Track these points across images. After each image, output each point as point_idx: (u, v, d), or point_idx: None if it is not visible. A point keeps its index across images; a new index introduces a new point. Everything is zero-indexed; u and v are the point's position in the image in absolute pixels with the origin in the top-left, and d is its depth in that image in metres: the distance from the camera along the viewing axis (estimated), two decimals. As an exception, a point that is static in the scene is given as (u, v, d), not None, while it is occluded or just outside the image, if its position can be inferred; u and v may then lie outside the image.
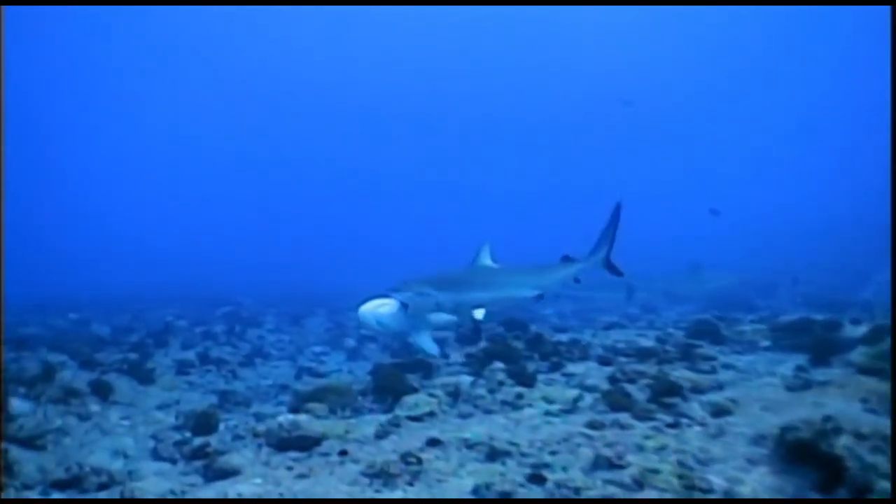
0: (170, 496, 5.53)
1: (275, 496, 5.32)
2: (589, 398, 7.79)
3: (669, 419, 6.73)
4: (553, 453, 6.00)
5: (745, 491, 4.91)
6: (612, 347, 10.78)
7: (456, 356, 11.01)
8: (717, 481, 5.07)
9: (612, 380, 8.33)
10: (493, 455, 6.05)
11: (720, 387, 7.80)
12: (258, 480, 5.76)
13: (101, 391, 9.44)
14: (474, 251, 11.32)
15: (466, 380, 8.78)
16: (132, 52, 77.54)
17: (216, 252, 62.01)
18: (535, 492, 5.14)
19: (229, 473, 6.06)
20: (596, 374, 8.78)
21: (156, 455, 7.24)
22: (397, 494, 5.28)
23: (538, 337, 10.75)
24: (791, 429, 5.20)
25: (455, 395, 8.37)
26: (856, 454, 4.67)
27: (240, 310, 23.90)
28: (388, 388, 8.77)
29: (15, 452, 6.73)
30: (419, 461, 5.85)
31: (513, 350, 9.81)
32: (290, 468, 6.11)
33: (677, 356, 9.37)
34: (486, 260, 11.08)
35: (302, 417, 6.95)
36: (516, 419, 7.30)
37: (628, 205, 12.47)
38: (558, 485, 5.17)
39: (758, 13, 73.07)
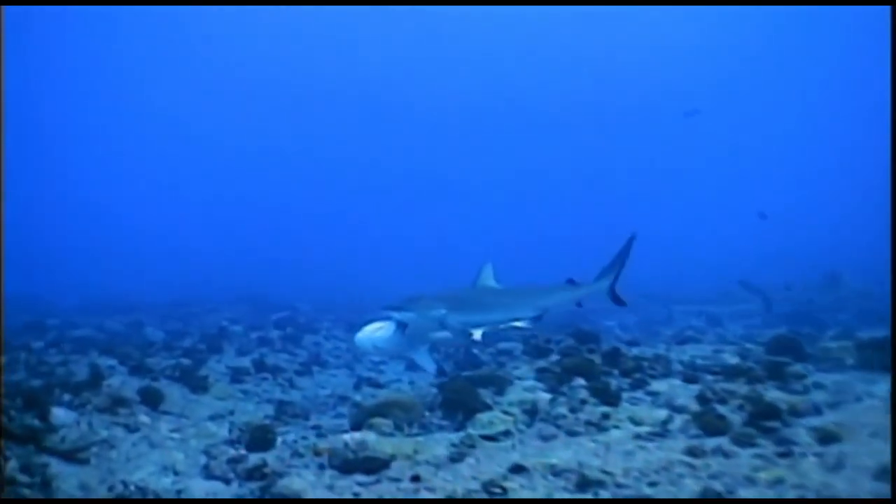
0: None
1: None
2: (679, 420, 7.18)
3: (776, 446, 6.09)
4: (653, 484, 5.50)
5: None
6: (692, 364, 10.15)
7: (525, 370, 10.29)
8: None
9: (702, 399, 7.66)
10: (585, 484, 5.53)
11: (817, 409, 7.13)
12: (322, 510, 5.10)
13: (151, 399, 8.87)
14: (476, 271, 11.06)
15: (544, 397, 8.11)
16: (135, 51, 77.78)
17: (253, 255, 61.70)
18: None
19: (289, 498, 5.40)
20: (682, 393, 8.12)
21: (207, 473, 6.58)
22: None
23: (615, 351, 10.03)
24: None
25: (532, 413, 7.76)
26: None
27: (296, 315, 23.37)
28: (458, 404, 8.06)
29: (55, 466, 6.17)
30: (504, 490, 5.22)
31: (593, 365, 9.02)
32: (356, 494, 5.47)
33: (766, 374, 8.56)
34: (489, 280, 10.83)
35: (370, 436, 6.26)
36: (605, 442, 6.67)
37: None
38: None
39: (759, 13, 72.21)
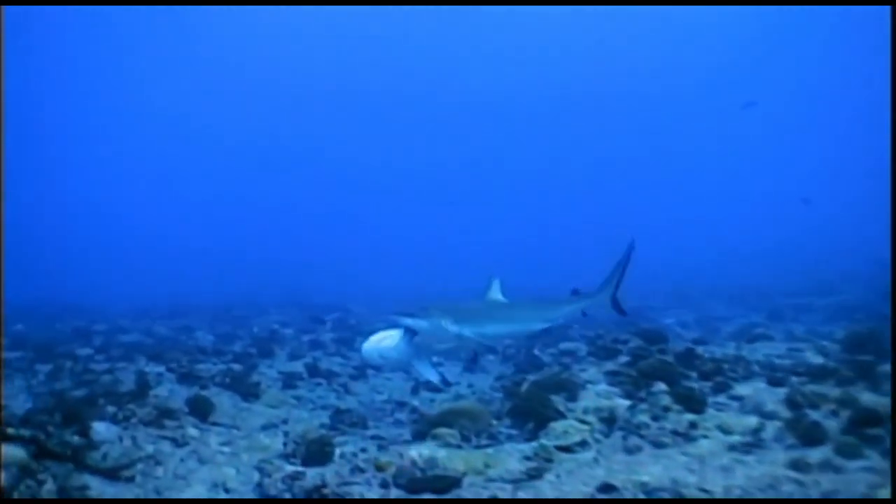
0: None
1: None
2: (771, 427, 6.59)
3: (884, 459, 5.53)
4: (761, 504, 4.76)
5: None
6: (770, 364, 9.52)
7: (593, 372, 9.67)
8: None
9: (792, 404, 7.09)
10: (684, 508, 4.85)
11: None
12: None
13: (200, 410, 8.35)
14: (485, 286, 11.21)
15: (622, 403, 7.50)
16: (135, 51, 77.70)
17: (289, 255, 61.76)
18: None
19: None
20: (769, 398, 7.51)
21: (261, 491, 6.00)
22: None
23: (690, 352, 9.38)
24: None
25: (610, 421, 7.21)
26: None
27: (347, 316, 22.89)
28: (528, 411, 7.45)
29: (96, 486, 5.68)
30: (596, 515, 4.61)
31: (673, 369, 8.33)
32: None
33: (854, 375, 7.89)
34: (497, 294, 11.03)
35: (439, 452, 5.65)
36: (697, 455, 6.09)
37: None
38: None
39: (758, 13, 71.97)
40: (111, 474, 5.92)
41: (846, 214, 52.65)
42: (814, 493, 4.99)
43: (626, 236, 11.88)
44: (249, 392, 10.27)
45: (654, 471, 5.54)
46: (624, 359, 10.14)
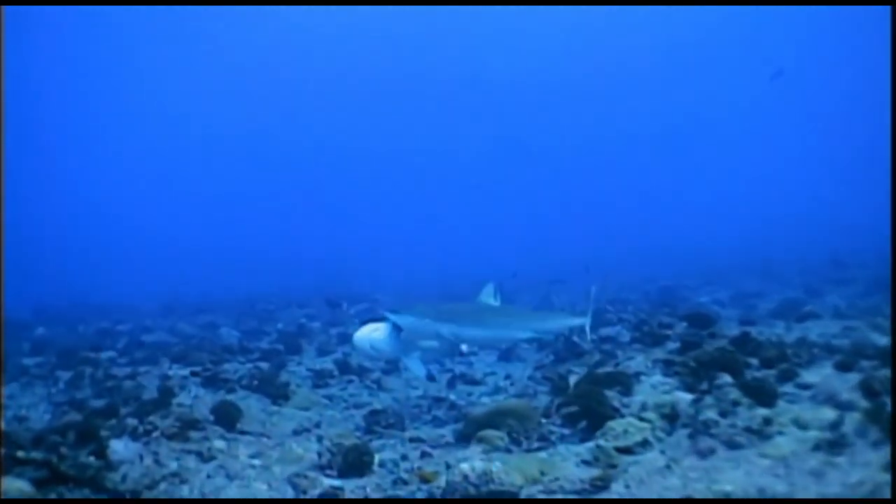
0: None
1: None
2: (850, 420, 5.68)
3: None
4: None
5: None
6: (828, 345, 8.59)
7: (641, 361, 9.03)
8: None
9: (869, 392, 6.22)
10: (782, 524, 4.28)
11: None
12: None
13: (227, 418, 7.79)
14: (479, 289, 10.90)
15: (684, 397, 6.77)
16: (135, 51, 77.59)
17: (314, 251, 61.70)
18: None
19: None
20: (841, 385, 6.60)
21: (296, 510, 5.47)
22: None
23: (746, 336, 8.58)
24: None
25: (672, 418, 6.46)
26: None
27: (376, 307, 22.37)
28: (582, 409, 6.84)
29: (116, 512, 5.13)
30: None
31: (735, 357, 7.59)
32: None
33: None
34: (489, 298, 10.73)
35: (494, 467, 5.03)
36: (779, 457, 5.33)
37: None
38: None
39: (759, 14, 71.55)
40: (132, 497, 5.38)
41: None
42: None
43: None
44: (279, 394, 9.80)
45: (734, 477, 4.91)
46: (673, 345, 9.54)
